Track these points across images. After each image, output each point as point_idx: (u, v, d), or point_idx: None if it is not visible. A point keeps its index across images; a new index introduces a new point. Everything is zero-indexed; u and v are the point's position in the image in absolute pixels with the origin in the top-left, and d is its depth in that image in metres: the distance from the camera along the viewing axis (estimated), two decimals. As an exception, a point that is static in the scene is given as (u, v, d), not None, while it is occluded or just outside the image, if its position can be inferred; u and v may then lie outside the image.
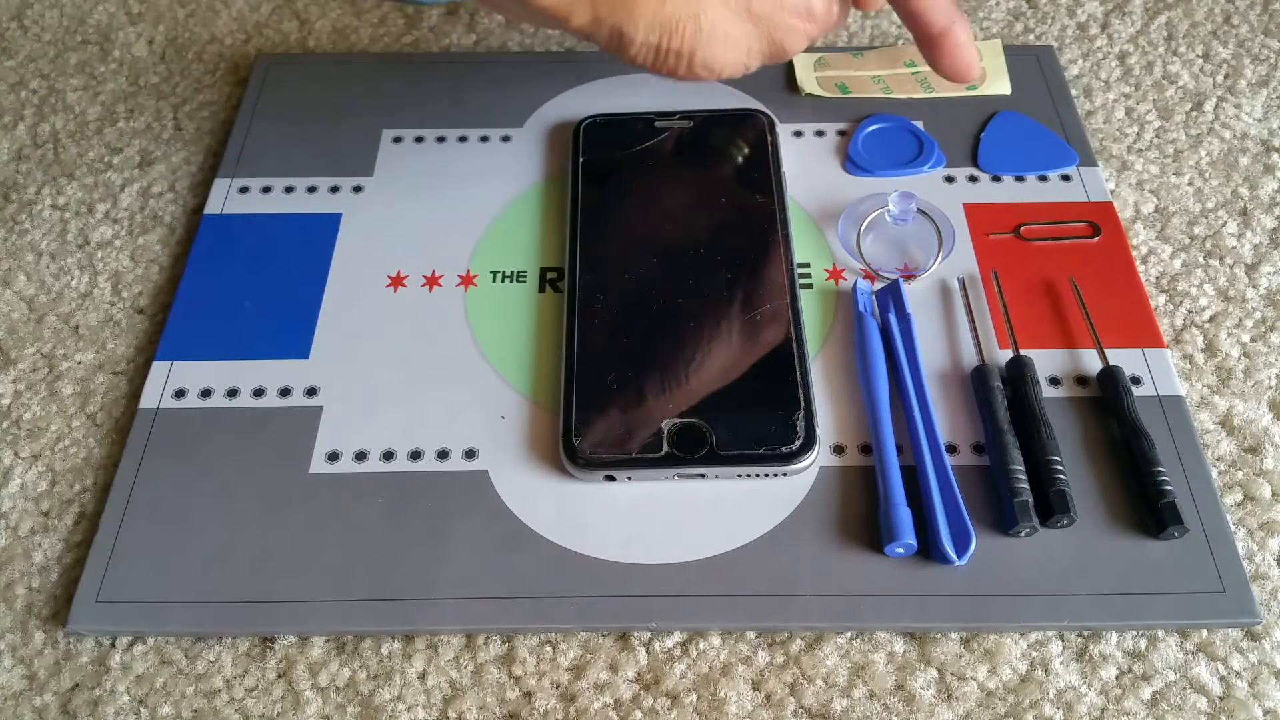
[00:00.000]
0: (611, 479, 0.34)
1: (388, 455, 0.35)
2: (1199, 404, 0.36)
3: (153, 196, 0.44)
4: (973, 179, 0.42)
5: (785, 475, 0.34)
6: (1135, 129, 0.45)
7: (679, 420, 0.34)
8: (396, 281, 0.40)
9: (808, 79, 0.45)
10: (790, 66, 0.47)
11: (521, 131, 0.45)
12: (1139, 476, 0.33)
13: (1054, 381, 0.36)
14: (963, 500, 0.32)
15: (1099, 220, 0.41)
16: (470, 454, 0.35)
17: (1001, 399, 0.35)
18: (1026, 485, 0.32)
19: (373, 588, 0.32)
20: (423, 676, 0.31)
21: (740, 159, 0.42)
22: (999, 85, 0.46)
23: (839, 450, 0.35)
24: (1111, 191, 0.43)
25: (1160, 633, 0.31)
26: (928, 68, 0.44)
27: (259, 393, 0.37)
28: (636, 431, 0.34)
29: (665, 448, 0.33)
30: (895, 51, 0.47)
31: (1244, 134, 0.45)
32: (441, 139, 0.45)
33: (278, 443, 0.35)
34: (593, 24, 0.33)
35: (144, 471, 0.35)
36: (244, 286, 0.40)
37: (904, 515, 0.32)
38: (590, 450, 0.33)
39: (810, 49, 0.47)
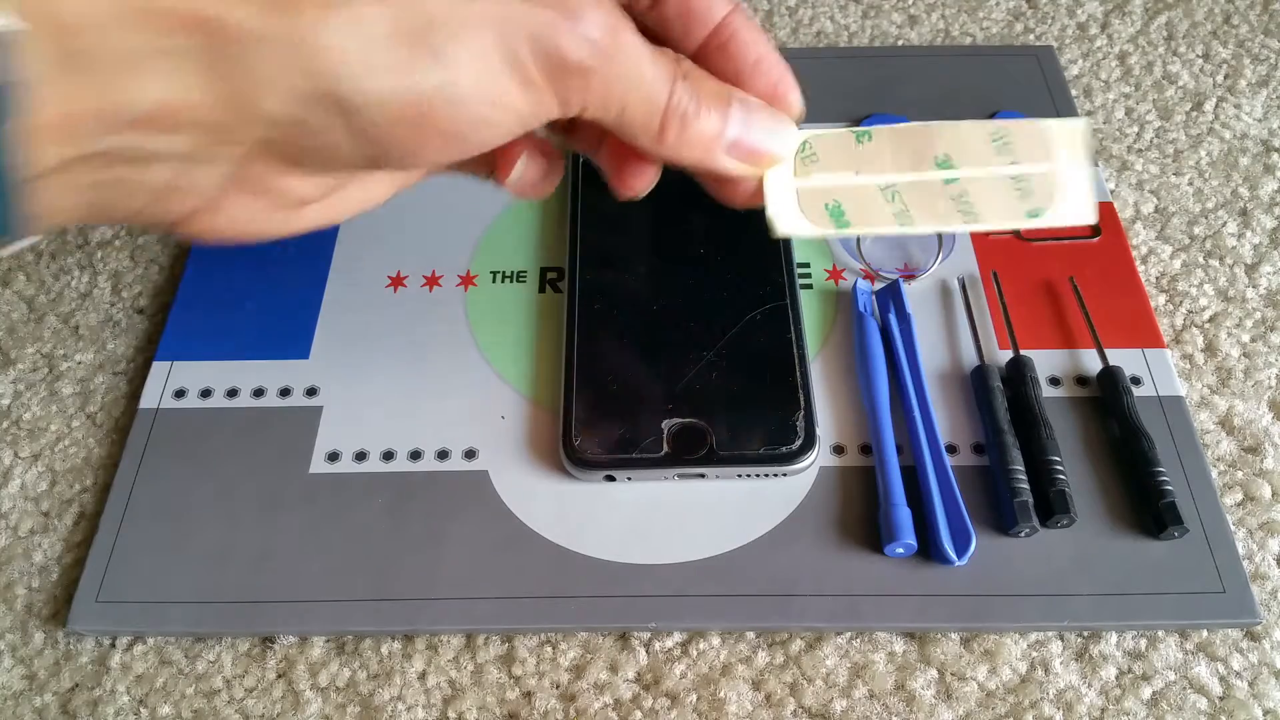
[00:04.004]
0: (611, 479, 0.34)
1: (387, 455, 0.35)
2: (1199, 404, 0.36)
3: (153, 196, 0.44)
4: (973, 179, 0.42)
5: (785, 475, 0.34)
6: (1135, 129, 0.45)
7: (679, 420, 0.34)
8: (396, 281, 0.40)
9: (783, 195, 0.27)
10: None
11: (521, 131, 0.45)
12: (1139, 477, 0.33)
13: (1054, 382, 0.36)
14: (963, 500, 0.32)
15: (1099, 220, 0.41)
16: (470, 454, 0.35)
17: (1001, 399, 0.35)
18: (1026, 485, 0.32)
19: (372, 588, 0.32)
20: (423, 676, 0.31)
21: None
22: (1075, 207, 0.27)
23: (839, 450, 0.35)
24: (1111, 191, 0.43)
25: (1160, 633, 0.31)
26: (979, 170, 0.27)
27: (259, 393, 0.37)
28: (636, 431, 0.34)
29: (665, 448, 0.33)
30: (925, 135, 0.28)
31: (1244, 134, 0.45)
32: (441, 139, 0.45)
33: (278, 443, 0.35)
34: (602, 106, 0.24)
35: (144, 471, 0.35)
36: (244, 286, 0.40)
37: (904, 515, 0.32)
38: (590, 450, 0.33)
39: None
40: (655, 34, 0.27)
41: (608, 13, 0.23)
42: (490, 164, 0.28)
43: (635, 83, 0.24)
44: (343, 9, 0.20)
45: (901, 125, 0.28)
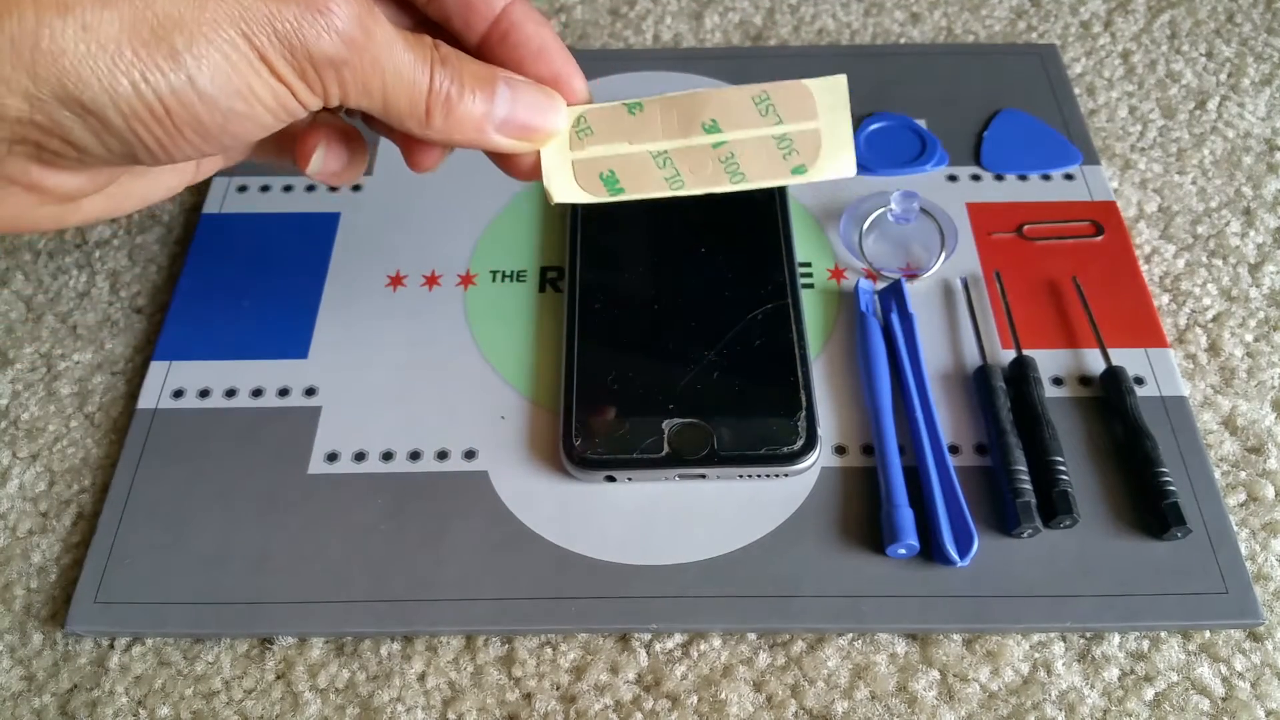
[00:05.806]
0: (612, 479, 0.34)
1: (387, 456, 0.35)
2: (1202, 404, 0.36)
3: (151, 195, 0.44)
4: (975, 178, 0.42)
5: (787, 476, 0.33)
6: (1138, 128, 0.45)
7: (680, 420, 0.34)
8: (396, 281, 0.40)
9: (559, 167, 0.29)
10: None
11: (521, 130, 0.45)
12: (1142, 477, 0.33)
13: (1057, 381, 0.36)
14: (965, 501, 0.32)
15: (1102, 219, 0.40)
16: (470, 454, 0.35)
17: (1004, 399, 0.34)
18: (1029, 486, 0.32)
19: (372, 589, 0.32)
20: (422, 678, 0.31)
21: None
22: (837, 162, 0.29)
23: (841, 451, 0.34)
24: (1115, 190, 0.43)
25: (1163, 634, 0.31)
26: (745, 133, 0.28)
27: (257, 393, 0.36)
28: (637, 432, 0.34)
29: (666, 448, 0.33)
30: (693, 102, 0.29)
31: (1247, 133, 0.45)
32: (441, 137, 0.44)
33: (276, 443, 0.35)
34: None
35: (142, 472, 0.35)
36: (242, 286, 0.39)
37: (906, 516, 0.32)
38: (590, 450, 0.33)
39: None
40: (439, 28, 0.28)
41: (356, 4, 0.23)
42: (291, 151, 0.29)
43: (391, 71, 0.25)
44: (69, 13, 0.21)
45: (671, 95, 0.29)
